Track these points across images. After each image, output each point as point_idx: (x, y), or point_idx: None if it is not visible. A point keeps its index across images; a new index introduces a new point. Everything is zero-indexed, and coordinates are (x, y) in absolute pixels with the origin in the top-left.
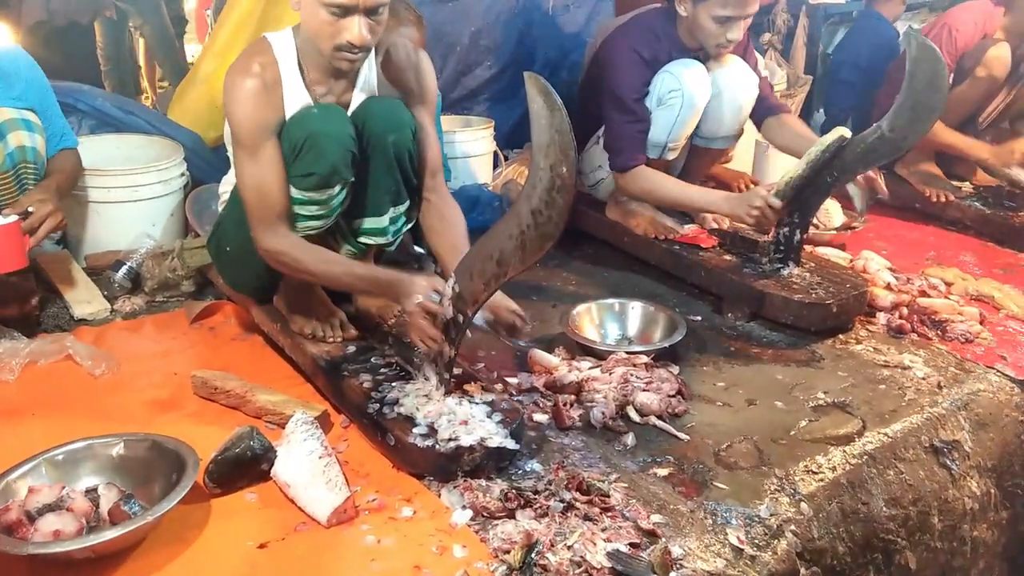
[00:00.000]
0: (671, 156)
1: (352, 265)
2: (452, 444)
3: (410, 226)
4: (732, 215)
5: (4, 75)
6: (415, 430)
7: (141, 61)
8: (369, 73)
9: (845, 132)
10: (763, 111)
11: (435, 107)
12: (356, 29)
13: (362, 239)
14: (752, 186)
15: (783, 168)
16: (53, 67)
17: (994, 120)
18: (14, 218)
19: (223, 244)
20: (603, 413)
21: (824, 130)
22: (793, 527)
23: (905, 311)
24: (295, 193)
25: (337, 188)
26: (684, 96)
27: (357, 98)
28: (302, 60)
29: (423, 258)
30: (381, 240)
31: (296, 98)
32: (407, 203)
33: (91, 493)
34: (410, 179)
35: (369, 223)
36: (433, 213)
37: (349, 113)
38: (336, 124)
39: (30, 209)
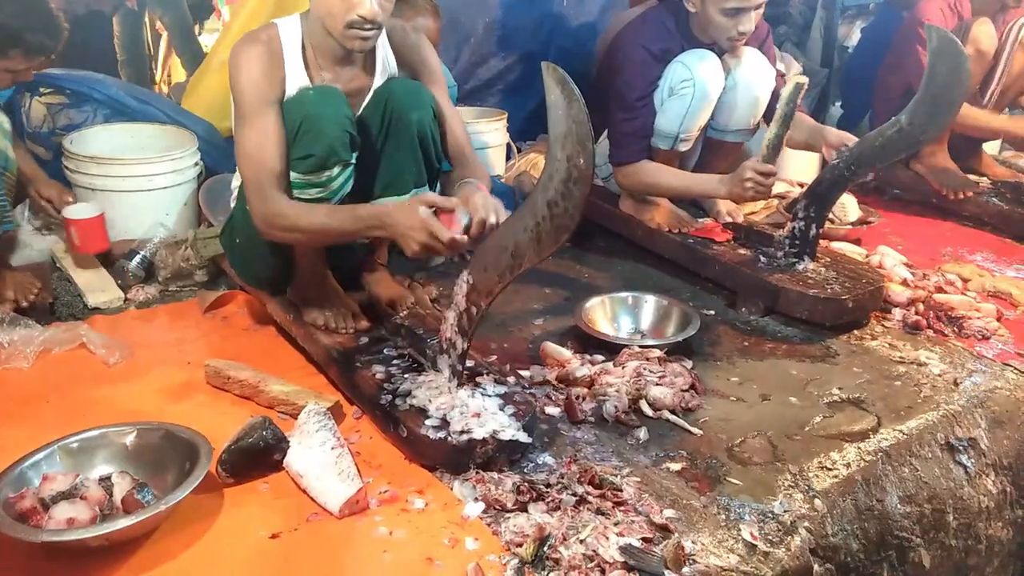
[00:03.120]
0: (683, 147)
1: (350, 210)
2: (464, 436)
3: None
4: (729, 194)
5: None
6: (427, 422)
7: (161, 51)
8: (387, 55)
9: (801, 79)
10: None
11: (445, 85)
12: (368, 3)
13: None
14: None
15: (797, 162)
16: (70, 56)
17: (998, 101)
18: (100, 209)
19: (235, 236)
20: (616, 407)
21: (841, 124)
22: (807, 523)
23: (921, 307)
24: (295, 177)
25: (336, 170)
26: (696, 86)
27: (379, 81)
28: (309, 44)
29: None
30: None
31: (296, 80)
32: (426, 187)
33: (105, 481)
34: (432, 161)
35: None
36: (461, 171)
37: (371, 94)
38: (333, 105)
39: (69, 199)
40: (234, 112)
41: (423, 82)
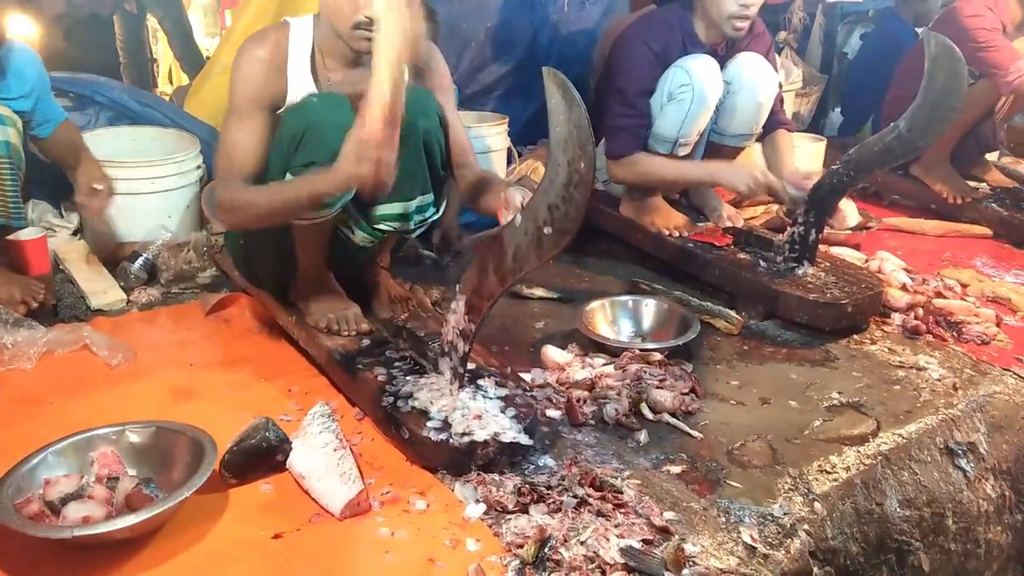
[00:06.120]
0: (682, 152)
1: (305, 182)
2: (466, 438)
3: (435, 218)
4: (733, 182)
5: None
6: (429, 424)
7: (159, 54)
8: None
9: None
10: (767, 126)
11: (452, 92)
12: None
13: (381, 226)
14: None
15: (801, 157)
16: (73, 60)
17: (1007, 112)
18: (41, 232)
19: (239, 236)
20: (616, 410)
21: (841, 130)
22: (807, 526)
23: (920, 312)
24: None
25: None
26: (695, 90)
27: None
28: (319, 46)
29: (430, 260)
30: (402, 226)
31: (300, 83)
32: (431, 195)
33: (109, 481)
34: (437, 170)
35: (392, 208)
36: (472, 179)
37: None
38: (337, 113)
39: (97, 187)
40: (228, 104)
41: (430, 88)
